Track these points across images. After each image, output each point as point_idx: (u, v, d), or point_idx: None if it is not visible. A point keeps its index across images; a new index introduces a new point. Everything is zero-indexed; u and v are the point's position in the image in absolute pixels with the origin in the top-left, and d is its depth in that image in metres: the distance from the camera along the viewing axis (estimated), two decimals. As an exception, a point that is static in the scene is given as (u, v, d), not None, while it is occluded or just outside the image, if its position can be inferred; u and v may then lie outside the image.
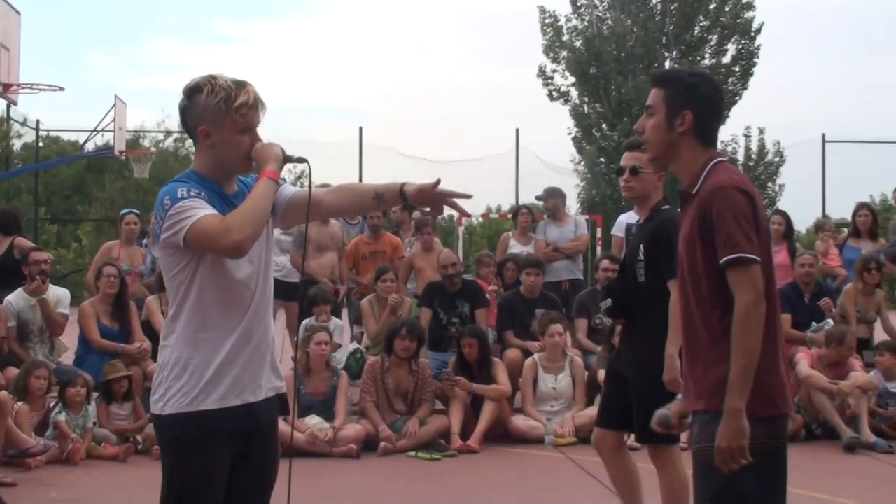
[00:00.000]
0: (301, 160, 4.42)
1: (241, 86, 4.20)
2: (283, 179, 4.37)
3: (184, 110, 4.27)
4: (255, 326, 4.28)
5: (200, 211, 4.06)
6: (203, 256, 4.14)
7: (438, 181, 4.37)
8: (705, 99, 4.27)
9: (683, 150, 4.26)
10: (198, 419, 4.16)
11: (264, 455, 4.38)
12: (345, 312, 13.74)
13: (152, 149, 39.13)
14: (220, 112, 4.16)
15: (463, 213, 4.67)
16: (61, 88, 21.87)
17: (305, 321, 11.78)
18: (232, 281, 4.20)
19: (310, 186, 4.42)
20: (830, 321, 11.84)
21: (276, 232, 14.84)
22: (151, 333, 11.37)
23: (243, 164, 4.28)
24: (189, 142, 42.51)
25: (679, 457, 6.46)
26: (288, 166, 4.40)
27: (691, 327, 4.20)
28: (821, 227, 15.37)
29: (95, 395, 10.47)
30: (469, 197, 4.49)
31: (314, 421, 10.19)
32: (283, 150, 4.28)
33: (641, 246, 6.39)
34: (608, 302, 6.61)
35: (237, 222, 4.04)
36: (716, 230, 4.02)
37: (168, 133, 43.12)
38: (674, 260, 6.41)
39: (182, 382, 4.16)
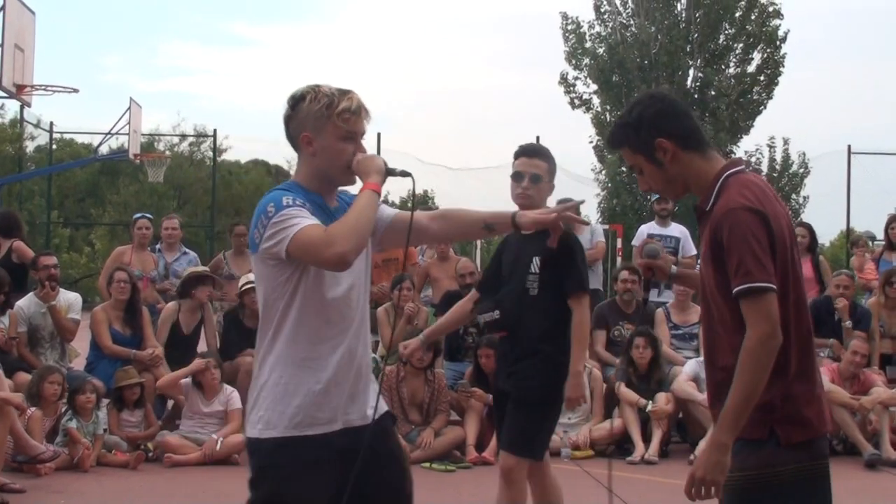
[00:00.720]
0: (405, 174, 4.28)
1: (344, 93, 4.11)
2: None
3: (287, 120, 4.17)
4: (357, 346, 4.16)
5: (304, 220, 3.93)
6: (306, 270, 4.01)
7: (555, 213, 4.40)
8: (661, 115, 4.02)
9: (686, 171, 4.03)
10: (302, 445, 4.02)
11: (389, 473, 4.26)
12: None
13: (167, 152, 39.23)
14: (321, 118, 4.07)
15: (581, 222, 4.57)
16: (76, 90, 21.84)
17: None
18: (334, 297, 4.06)
19: (412, 200, 4.36)
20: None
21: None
22: (174, 339, 11.32)
23: (345, 173, 4.15)
24: (205, 146, 42.75)
25: (525, 475, 6.30)
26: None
27: (715, 348, 4.01)
28: (856, 242, 15.24)
29: (106, 401, 10.38)
30: (582, 202, 4.45)
31: (327, 430, 10.06)
32: (385, 163, 4.15)
33: (537, 259, 6.21)
34: (496, 314, 6.35)
35: (341, 233, 3.88)
36: (727, 256, 3.78)
37: (183, 137, 43.22)
38: (576, 276, 6.26)
39: (284, 406, 4.03)
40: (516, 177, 6.26)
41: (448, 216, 4.51)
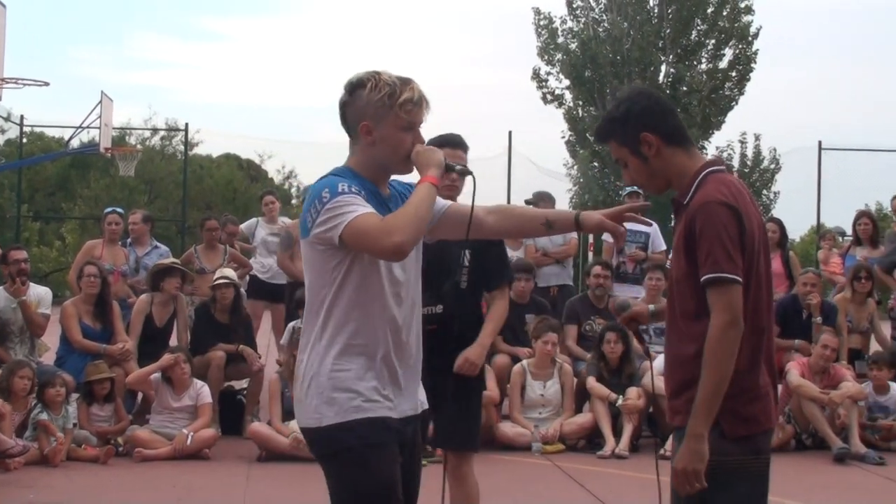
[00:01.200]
0: (465, 172, 4.35)
1: (405, 82, 4.08)
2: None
3: (344, 105, 4.13)
4: (410, 335, 4.17)
5: (360, 208, 3.90)
6: (358, 257, 3.99)
7: (619, 214, 4.37)
8: (647, 112, 4.14)
9: (669, 166, 4.14)
10: (370, 425, 4.00)
11: (413, 466, 4.26)
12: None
13: (138, 146, 39.01)
14: (383, 108, 4.03)
15: (644, 222, 4.58)
16: (46, 83, 21.74)
17: (292, 323, 11.67)
18: (386, 287, 4.05)
19: (472, 201, 4.30)
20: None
21: (264, 233, 14.76)
22: (147, 332, 11.32)
23: (403, 163, 4.13)
24: (176, 140, 42.53)
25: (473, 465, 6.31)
26: None
27: (675, 340, 4.13)
28: (823, 235, 15.36)
29: (76, 395, 10.34)
30: (647, 206, 4.45)
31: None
32: (444, 158, 4.14)
33: (467, 252, 6.12)
34: (439, 308, 6.15)
35: (400, 224, 3.87)
36: (699, 246, 3.91)
37: (155, 130, 42.99)
38: (506, 268, 6.31)
39: (342, 392, 3.99)
40: (449, 169, 6.03)
41: (505, 211, 4.50)
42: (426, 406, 4.33)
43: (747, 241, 3.93)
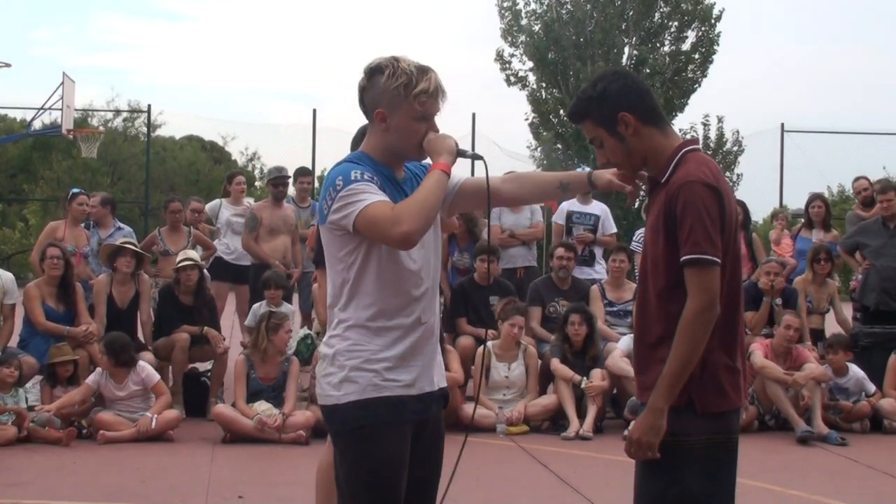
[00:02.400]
0: (476, 157, 4.39)
1: (423, 72, 4.10)
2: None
3: (363, 90, 4.16)
4: (429, 317, 4.19)
5: (372, 196, 3.96)
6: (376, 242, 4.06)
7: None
8: (624, 91, 4.13)
9: (645, 145, 4.13)
10: (386, 404, 4.06)
11: (435, 443, 4.30)
12: (295, 297, 13.59)
13: (101, 128, 38.74)
14: (398, 97, 4.06)
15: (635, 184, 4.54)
16: (8, 65, 21.59)
17: (257, 305, 11.64)
18: (405, 269, 4.10)
19: (487, 185, 4.34)
20: None
21: (228, 213, 14.63)
22: (110, 314, 11.32)
23: (416, 151, 4.18)
24: (139, 121, 42.27)
25: None
26: None
27: (646, 319, 4.13)
28: (776, 215, 15.42)
29: (39, 378, 10.30)
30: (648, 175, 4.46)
31: (263, 407, 10.04)
32: (456, 144, 4.17)
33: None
34: None
35: (408, 213, 3.92)
36: (679, 226, 3.92)
37: (117, 112, 42.73)
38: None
39: (361, 371, 4.07)
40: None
41: (521, 178, 4.55)
42: (444, 385, 4.34)
43: (728, 221, 3.96)
